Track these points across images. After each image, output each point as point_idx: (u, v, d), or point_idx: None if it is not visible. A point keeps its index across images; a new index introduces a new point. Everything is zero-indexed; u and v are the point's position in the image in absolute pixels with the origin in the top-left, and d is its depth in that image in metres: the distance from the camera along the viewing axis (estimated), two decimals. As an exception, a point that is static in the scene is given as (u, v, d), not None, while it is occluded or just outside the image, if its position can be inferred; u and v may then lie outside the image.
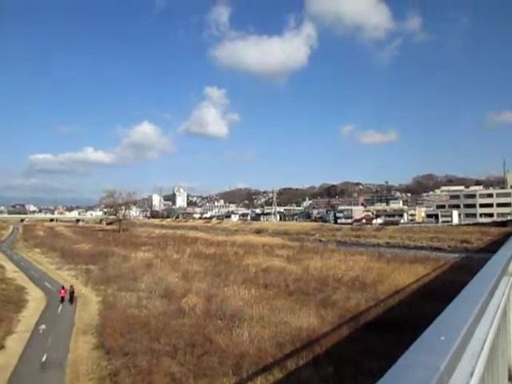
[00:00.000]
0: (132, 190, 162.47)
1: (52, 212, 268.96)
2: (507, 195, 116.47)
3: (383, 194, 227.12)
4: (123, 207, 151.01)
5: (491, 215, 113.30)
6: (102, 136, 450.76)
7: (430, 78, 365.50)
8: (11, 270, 51.06)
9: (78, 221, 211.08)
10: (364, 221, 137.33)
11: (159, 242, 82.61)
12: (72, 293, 34.13)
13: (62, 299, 33.35)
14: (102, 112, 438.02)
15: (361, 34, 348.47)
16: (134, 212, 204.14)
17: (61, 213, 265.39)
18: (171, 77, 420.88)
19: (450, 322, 1.94)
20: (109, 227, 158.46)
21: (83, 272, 47.02)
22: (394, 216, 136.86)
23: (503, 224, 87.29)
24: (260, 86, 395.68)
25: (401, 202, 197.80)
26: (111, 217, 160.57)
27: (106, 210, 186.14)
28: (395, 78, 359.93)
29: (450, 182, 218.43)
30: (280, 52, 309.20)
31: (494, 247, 53.58)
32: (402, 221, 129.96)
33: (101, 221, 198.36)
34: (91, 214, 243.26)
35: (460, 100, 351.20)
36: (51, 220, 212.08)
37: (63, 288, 34.93)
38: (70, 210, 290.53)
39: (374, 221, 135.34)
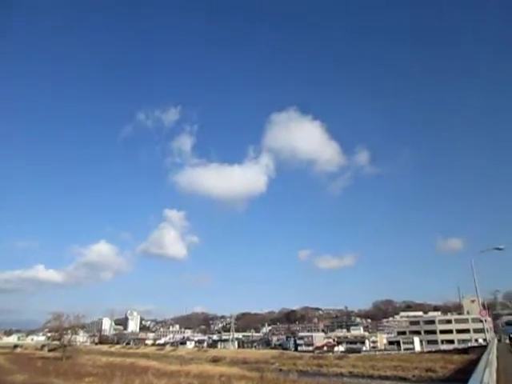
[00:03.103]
0: (81, 313, 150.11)
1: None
2: (465, 321, 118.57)
3: (343, 319, 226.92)
4: (69, 331, 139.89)
5: (452, 342, 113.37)
6: (54, 254, 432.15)
7: (381, 207, 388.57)
8: None
9: (15, 346, 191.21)
10: (325, 348, 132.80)
11: (105, 372, 74.89)
12: None
13: None
14: (58, 229, 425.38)
15: (314, 166, 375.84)
16: (81, 337, 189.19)
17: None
18: (131, 197, 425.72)
19: None
20: (51, 354, 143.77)
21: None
22: (355, 343, 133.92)
23: (465, 351, 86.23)
24: (220, 210, 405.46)
25: (361, 328, 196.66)
26: (55, 342, 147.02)
27: (49, 334, 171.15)
28: (348, 207, 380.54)
29: (409, 307, 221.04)
30: (240, 179, 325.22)
31: (458, 376, 52.02)
32: (364, 348, 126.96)
33: (42, 347, 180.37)
34: (32, 339, 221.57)
35: (410, 227, 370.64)
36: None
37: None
38: (9, 333, 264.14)
39: (336, 348, 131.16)
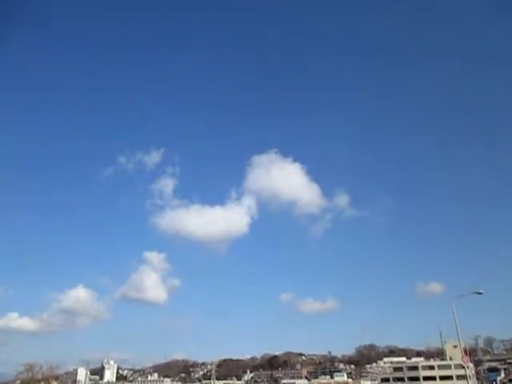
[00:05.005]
0: (55, 363, 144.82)
1: None
2: (448, 367, 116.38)
3: (326, 365, 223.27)
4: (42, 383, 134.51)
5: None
6: (29, 300, 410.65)
7: (362, 250, 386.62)
8: None
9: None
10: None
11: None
12: None
13: None
14: (34, 274, 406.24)
15: (295, 208, 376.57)
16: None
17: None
18: (110, 240, 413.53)
19: None
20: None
21: None
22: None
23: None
24: (201, 252, 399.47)
25: (345, 374, 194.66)
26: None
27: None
28: (329, 249, 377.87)
29: (392, 352, 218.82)
30: (222, 220, 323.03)
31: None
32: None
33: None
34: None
35: (391, 270, 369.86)
36: None
37: None
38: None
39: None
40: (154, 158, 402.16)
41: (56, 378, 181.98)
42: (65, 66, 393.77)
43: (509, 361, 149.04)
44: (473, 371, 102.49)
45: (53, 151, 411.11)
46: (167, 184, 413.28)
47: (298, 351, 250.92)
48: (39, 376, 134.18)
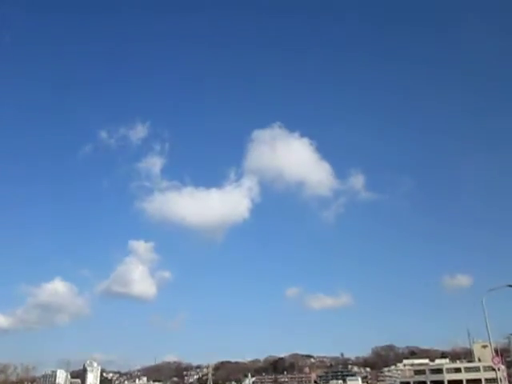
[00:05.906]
0: (31, 364, 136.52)
1: None
2: (476, 370, 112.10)
3: (339, 368, 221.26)
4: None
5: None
6: (3, 295, 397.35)
7: (380, 238, 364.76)
8: None
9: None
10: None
11: None
12: None
13: None
14: (4, 266, 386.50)
15: (303, 190, 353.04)
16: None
17: None
18: (91, 228, 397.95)
19: None
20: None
21: None
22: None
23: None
24: (195, 241, 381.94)
25: (359, 378, 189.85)
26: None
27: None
28: (342, 237, 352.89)
29: (413, 353, 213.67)
30: (218, 204, 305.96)
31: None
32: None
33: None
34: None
35: (413, 261, 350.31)
36: None
37: None
38: None
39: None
40: (139, 132, 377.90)
41: (32, 381, 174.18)
42: (41, 30, 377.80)
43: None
44: (504, 374, 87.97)
45: (21, 125, 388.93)
46: (155, 163, 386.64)
47: (305, 353, 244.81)
48: (13, 378, 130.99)
